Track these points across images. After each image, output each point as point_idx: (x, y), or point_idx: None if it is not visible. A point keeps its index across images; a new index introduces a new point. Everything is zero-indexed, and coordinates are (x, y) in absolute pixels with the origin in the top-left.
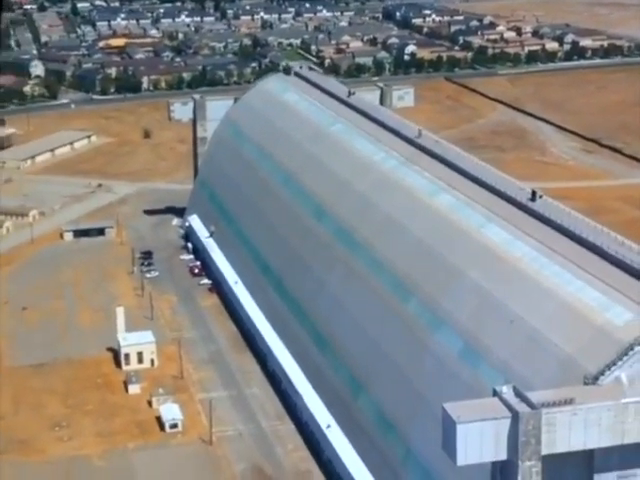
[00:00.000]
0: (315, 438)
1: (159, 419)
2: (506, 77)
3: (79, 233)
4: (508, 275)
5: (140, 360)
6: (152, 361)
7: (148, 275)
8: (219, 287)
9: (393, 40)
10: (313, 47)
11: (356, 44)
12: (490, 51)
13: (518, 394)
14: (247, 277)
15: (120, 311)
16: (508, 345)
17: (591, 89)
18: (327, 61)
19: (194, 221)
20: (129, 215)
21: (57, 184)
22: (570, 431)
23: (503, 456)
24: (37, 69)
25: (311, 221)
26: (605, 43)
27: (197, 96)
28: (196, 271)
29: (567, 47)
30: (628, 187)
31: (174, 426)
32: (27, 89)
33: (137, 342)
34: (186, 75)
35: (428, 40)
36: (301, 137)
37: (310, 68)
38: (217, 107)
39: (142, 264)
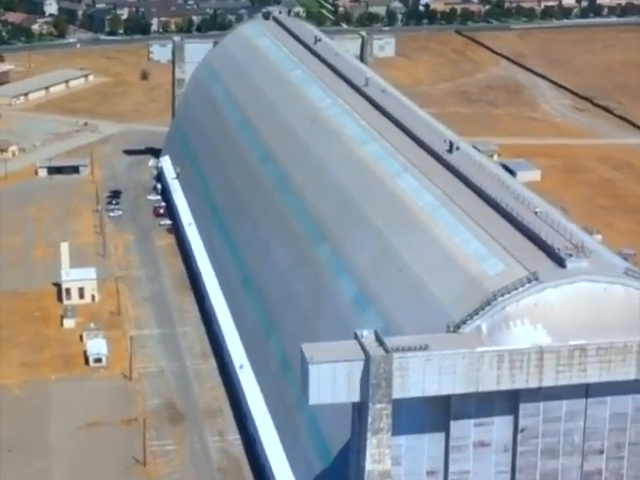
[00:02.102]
0: (231, 377)
1: (86, 353)
2: (517, 32)
3: (53, 170)
4: (407, 224)
5: (81, 295)
6: (93, 297)
7: (111, 214)
8: (176, 228)
9: None
10: None
11: None
12: (507, 5)
13: (378, 339)
14: (200, 219)
15: (64, 246)
16: (393, 293)
17: (599, 47)
18: (340, 9)
19: (165, 162)
20: (109, 154)
21: (46, 122)
22: (424, 376)
23: (356, 398)
24: (51, 7)
25: (256, 165)
26: (623, 1)
27: (177, 38)
28: (160, 212)
29: (585, 4)
30: (609, 147)
31: (98, 360)
32: (36, 27)
33: (79, 278)
34: (196, 18)
35: None
36: (263, 82)
37: (293, 14)
38: (196, 50)
39: (108, 203)
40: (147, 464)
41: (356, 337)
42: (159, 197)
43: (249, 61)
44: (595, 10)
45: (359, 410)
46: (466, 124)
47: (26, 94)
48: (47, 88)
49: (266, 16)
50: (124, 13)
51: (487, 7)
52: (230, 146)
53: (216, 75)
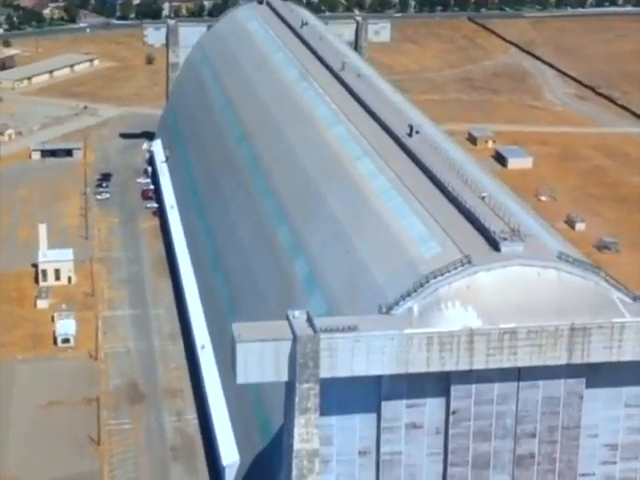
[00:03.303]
0: (195, 358)
1: (55, 333)
2: (530, 20)
3: (47, 153)
4: (360, 207)
5: (57, 277)
6: (69, 278)
7: (99, 197)
8: (161, 211)
9: None
10: None
11: None
12: None
13: (309, 319)
14: (181, 201)
15: (42, 228)
16: (339, 275)
17: (610, 36)
18: None
19: (156, 145)
20: (105, 138)
21: (47, 105)
22: (352, 357)
23: (284, 377)
24: None
25: (233, 147)
26: None
27: (171, 21)
28: (148, 195)
29: None
30: (606, 135)
31: (66, 340)
32: (47, 12)
33: (55, 259)
34: (208, 3)
35: None
36: (247, 65)
37: None
38: (190, 33)
39: (97, 186)
40: (101, 443)
41: (287, 317)
42: (148, 180)
43: (237, 44)
44: None
45: (288, 390)
46: (466, 110)
47: (29, 78)
48: (51, 72)
49: (260, 1)
50: None
51: None
52: (212, 128)
53: (207, 59)
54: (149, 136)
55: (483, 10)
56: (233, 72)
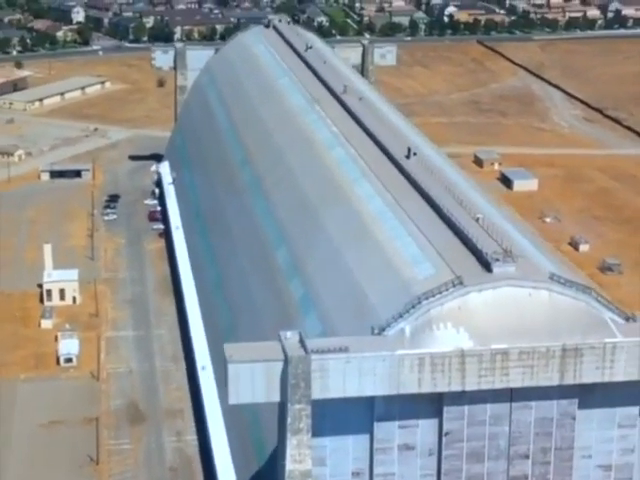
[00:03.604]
0: (196, 379)
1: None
2: (539, 43)
3: (55, 174)
4: (356, 229)
5: (62, 297)
6: (74, 298)
7: (106, 217)
8: (167, 232)
9: (437, 1)
10: (358, 4)
11: (398, 3)
12: (532, 16)
13: (301, 340)
14: (186, 223)
15: (47, 248)
16: (334, 296)
17: (618, 59)
18: (365, 19)
19: (163, 167)
20: (114, 159)
21: (57, 127)
22: (344, 378)
23: (276, 398)
24: (79, 15)
25: (236, 170)
26: None
27: (179, 45)
28: (155, 216)
29: (610, 15)
30: (612, 157)
31: (68, 360)
32: (60, 34)
33: (60, 279)
34: (220, 27)
35: (472, 2)
36: (251, 88)
37: (294, 22)
38: (198, 56)
39: (105, 207)
40: (100, 462)
41: (279, 338)
42: (156, 202)
43: (242, 68)
44: (620, 21)
45: (280, 410)
46: (473, 133)
47: (41, 100)
48: (62, 94)
49: (267, 24)
50: (150, 21)
51: (512, 18)
52: (217, 151)
53: (214, 82)
54: (158, 158)
55: (493, 33)
56: (238, 95)
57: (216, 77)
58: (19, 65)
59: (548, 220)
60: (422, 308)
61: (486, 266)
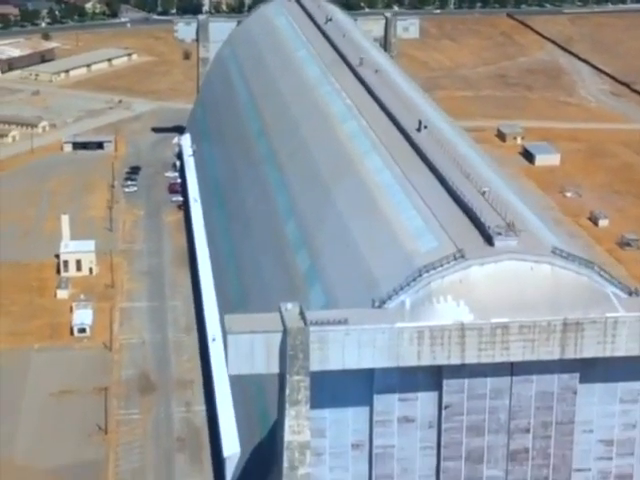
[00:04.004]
0: (207, 350)
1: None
2: (569, 16)
3: (78, 145)
4: (364, 202)
5: (79, 268)
6: (90, 269)
7: (126, 189)
8: (185, 204)
9: None
10: None
11: None
12: None
13: (301, 312)
14: (204, 195)
15: (65, 219)
16: (338, 268)
17: None
18: None
19: (185, 140)
20: (137, 131)
21: (82, 99)
22: (343, 350)
23: (275, 369)
24: None
25: (252, 142)
26: None
27: (202, 17)
28: (175, 188)
29: None
30: (637, 132)
31: (82, 331)
32: (89, 6)
33: (77, 250)
34: None
35: None
36: (270, 60)
37: None
38: (220, 29)
39: (126, 179)
40: (109, 432)
41: (279, 310)
42: (176, 174)
43: (263, 40)
44: None
45: (280, 382)
46: (498, 107)
47: (67, 71)
48: (89, 66)
49: None
50: None
51: None
52: (236, 123)
53: (235, 54)
54: (180, 130)
55: (523, 6)
56: (258, 68)
57: (237, 49)
58: (46, 37)
59: (569, 195)
60: (423, 281)
61: (488, 240)
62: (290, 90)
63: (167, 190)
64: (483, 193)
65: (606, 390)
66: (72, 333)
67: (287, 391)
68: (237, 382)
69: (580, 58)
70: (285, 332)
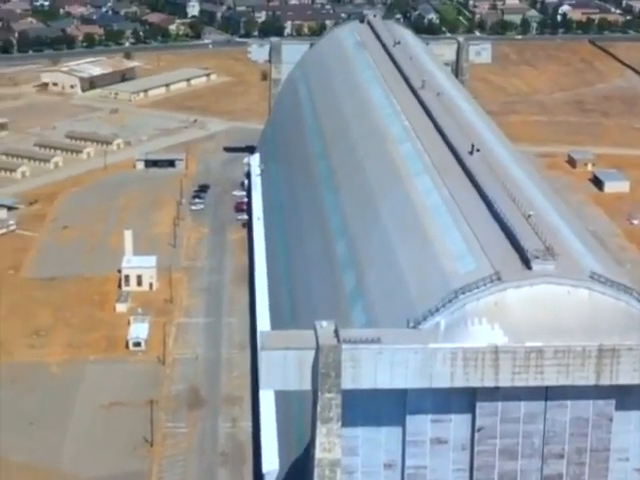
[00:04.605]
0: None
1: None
2: None
3: (150, 163)
4: (410, 222)
5: (139, 283)
6: (151, 285)
7: (193, 207)
8: (249, 223)
9: None
10: (471, 2)
11: (512, 1)
12: None
13: (336, 330)
14: (267, 214)
15: (128, 234)
16: (380, 288)
17: None
18: (477, 17)
19: (253, 159)
20: (209, 150)
21: (159, 117)
22: (375, 369)
23: (307, 386)
24: (194, 9)
25: (313, 163)
26: None
27: (275, 39)
28: (242, 207)
29: None
30: None
31: (137, 344)
32: (173, 27)
33: (138, 265)
34: (329, 22)
35: (587, 0)
36: (337, 83)
37: (404, 18)
38: (293, 50)
39: (194, 197)
40: (155, 445)
41: (314, 327)
42: (244, 193)
43: (332, 62)
44: None
45: (313, 399)
46: (572, 133)
47: (146, 91)
48: (168, 86)
49: (362, 20)
50: (262, 16)
51: (627, 17)
52: (300, 144)
53: (305, 76)
54: (252, 150)
55: (606, 33)
56: (324, 89)
57: (308, 71)
58: (128, 56)
59: (636, 222)
60: (458, 302)
61: (526, 263)
62: (352, 111)
63: (233, 209)
64: (528, 217)
65: None
66: (127, 346)
67: (318, 408)
68: (282, 399)
69: None
70: (318, 349)
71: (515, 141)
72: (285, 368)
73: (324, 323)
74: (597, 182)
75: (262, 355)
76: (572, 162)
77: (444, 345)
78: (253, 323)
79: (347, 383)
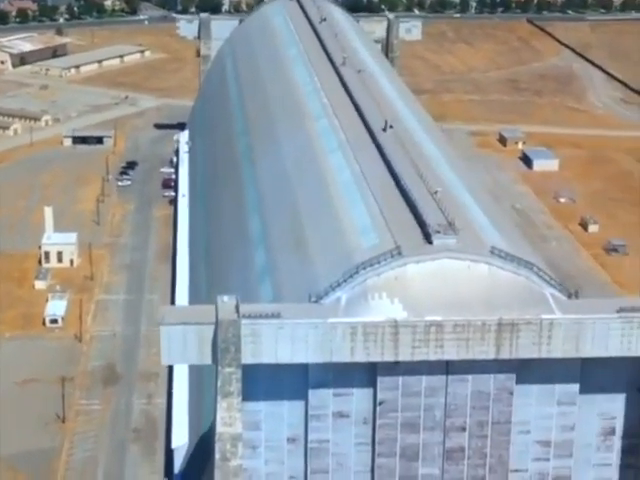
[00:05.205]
0: None
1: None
2: (591, 23)
3: (77, 140)
4: (321, 199)
5: (60, 259)
6: (72, 261)
7: (120, 183)
8: (176, 200)
9: None
10: None
11: None
12: None
13: (237, 305)
14: (192, 190)
15: (49, 210)
16: (287, 264)
17: None
18: None
19: (183, 136)
20: (139, 127)
21: (90, 94)
22: (276, 344)
23: (208, 361)
24: None
25: (234, 139)
26: None
27: (203, 15)
28: (170, 184)
29: None
30: None
31: (54, 321)
32: (108, 3)
33: (59, 242)
34: None
35: None
36: (261, 59)
37: None
38: (222, 27)
39: (121, 173)
40: (67, 421)
41: (215, 302)
42: (172, 170)
43: (258, 39)
44: None
45: (214, 374)
46: (504, 111)
47: (77, 67)
48: (100, 62)
49: None
50: None
51: None
52: (224, 121)
53: (232, 52)
54: (183, 127)
55: (545, 13)
56: (249, 66)
57: (235, 47)
58: (60, 32)
59: (562, 200)
60: (359, 277)
61: (427, 238)
62: (274, 88)
63: (161, 185)
64: (435, 193)
65: (543, 392)
66: (44, 324)
67: (219, 383)
68: (195, 375)
69: (595, 64)
70: (217, 324)
71: (448, 119)
72: (185, 343)
73: (225, 298)
74: (526, 160)
75: (162, 330)
76: (503, 140)
77: (343, 320)
78: (174, 300)
79: (247, 358)
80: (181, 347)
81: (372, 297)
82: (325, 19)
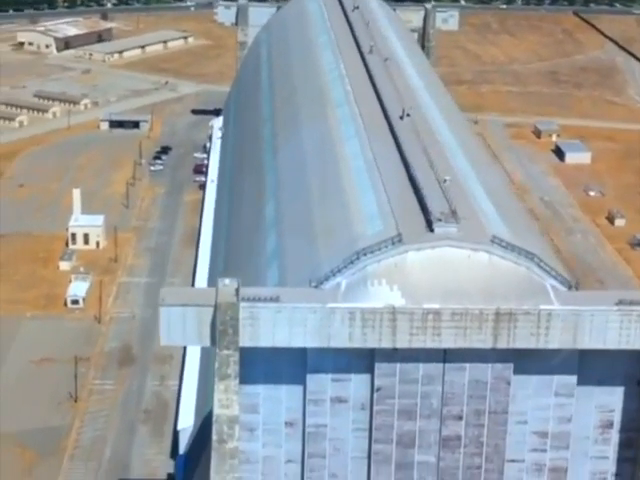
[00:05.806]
0: None
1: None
2: (637, 17)
3: (114, 124)
4: (332, 186)
5: (86, 241)
6: (97, 243)
7: (152, 168)
8: (205, 185)
9: None
10: None
11: None
12: None
13: (238, 288)
14: (222, 176)
15: (77, 192)
16: (295, 248)
17: None
18: None
19: (217, 122)
20: (177, 113)
21: (130, 79)
22: (274, 328)
23: (207, 343)
24: None
25: (262, 126)
26: None
27: (242, 1)
28: (201, 169)
29: None
30: None
31: (75, 302)
32: None
33: (86, 224)
34: None
35: None
36: (294, 47)
37: None
38: (260, 13)
39: (154, 157)
40: (79, 400)
41: (216, 285)
42: (205, 155)
43: (292, 26)
44: None
45: (213, 357)
46: (542, 104)
47: (121, 52)
48: (143, 47)
49: None
50: None
51: None
52: (254, 108)
53: (268, 39)
54: (219, 113)
55: (592, 5)
56: (281, 53)
57: (271, 34)
58: (105, 17)
59: (592, 193)
60: (359, 264)
61: (429, 225)
62: (301, 75)
63: (192, 171)
64: (444, 181)
65: (541, 382)
66: (66, 304)
67: (216, 365)
68: (206, 358)
69: (638, 58)
70: (216, 307)
71: (484, 110)
72: (185, 324)
73: (227, 281)
74: (559, 153)
75: (162, 311)
76: (537, 132)
77: (342, 305)
78: (194, 284)
79: (245, 341)
80: (180, 328)
81: (372, 283)
82: (358, 7)
